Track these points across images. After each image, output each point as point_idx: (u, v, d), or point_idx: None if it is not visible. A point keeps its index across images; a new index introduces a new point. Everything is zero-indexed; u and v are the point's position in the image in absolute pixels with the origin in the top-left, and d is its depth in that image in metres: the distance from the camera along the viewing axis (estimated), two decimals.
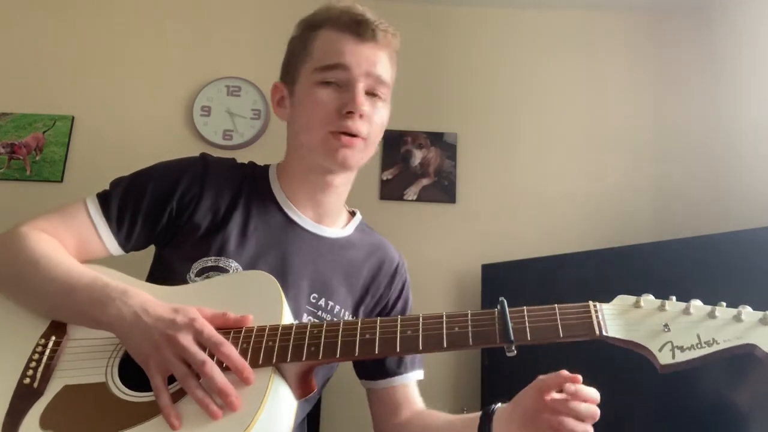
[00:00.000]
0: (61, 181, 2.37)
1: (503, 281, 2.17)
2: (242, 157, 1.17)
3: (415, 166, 2.44)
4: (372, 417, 1.17)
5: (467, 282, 2.30)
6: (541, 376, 0.87)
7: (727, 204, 2.22)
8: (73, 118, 2.43)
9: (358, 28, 1.01)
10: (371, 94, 1.02)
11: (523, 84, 2.55)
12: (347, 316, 1.09)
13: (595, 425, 0.82)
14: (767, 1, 2.16)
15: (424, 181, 2.44)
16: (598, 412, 0.82)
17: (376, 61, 1.02)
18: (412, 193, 2.43)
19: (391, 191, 2.41)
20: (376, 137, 1.05)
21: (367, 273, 1.13)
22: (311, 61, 1.02)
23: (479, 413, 0.96)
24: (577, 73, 2.55)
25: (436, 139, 2.47)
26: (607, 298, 0.82)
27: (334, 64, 0.99)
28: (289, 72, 1.07)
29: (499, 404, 0.94)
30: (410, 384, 1.15)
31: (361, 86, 1.00)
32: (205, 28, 2.58)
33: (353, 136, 1.00)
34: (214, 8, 2.60)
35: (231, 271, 0.99)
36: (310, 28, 1.06)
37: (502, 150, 2.48)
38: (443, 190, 2.43)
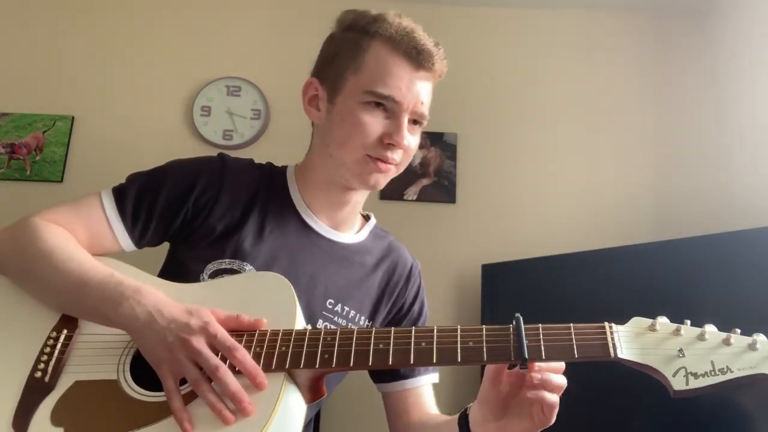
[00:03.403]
0: (61, 181, 2.36)
1: (503, 281, 2.17)
2: (242, 157, 1.15)
3: (415, 166, 2.43)
4: (387, 418, 1.17)
5: (467, 282, 2.31)
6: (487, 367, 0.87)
7: (727, 204, 2.22)
8: (73, 118, 2.42)
9: (418, 57, 0.99)
10: (410, 123, 1.02)
11: (523, 84, 2.55)
12: (364, 321, 1.10)
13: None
14: (767, 1, 2.17)
15: (424, 181, 2.44)
16: (565, 381, 0.82)
17: (425, 96, 1.02)
18: (412, 193, 2.43)
19: (391, 191, 2.40)
20: (407, 161, 1.06)
21: (382, 277, 1.13)
22: (361, 77, 0.99)
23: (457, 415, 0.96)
24: (577, 73, 2.55)
25: (436, 139, 2.47)
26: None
27: (387, 95, 0.98)
28: (330, 75, 1.03)
29: (470, 404, 0.93)
30: (423, 387, 1.15)
31: (406, 120, 1.00)
32: (205, 28, 2.57)
33: (388, 163, 1.01)
34: (214, 8, 2.59)
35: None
36: (361, 32, 1.01)
37: (502, 150, 2.48)
38: (443, 190, 2.43)
